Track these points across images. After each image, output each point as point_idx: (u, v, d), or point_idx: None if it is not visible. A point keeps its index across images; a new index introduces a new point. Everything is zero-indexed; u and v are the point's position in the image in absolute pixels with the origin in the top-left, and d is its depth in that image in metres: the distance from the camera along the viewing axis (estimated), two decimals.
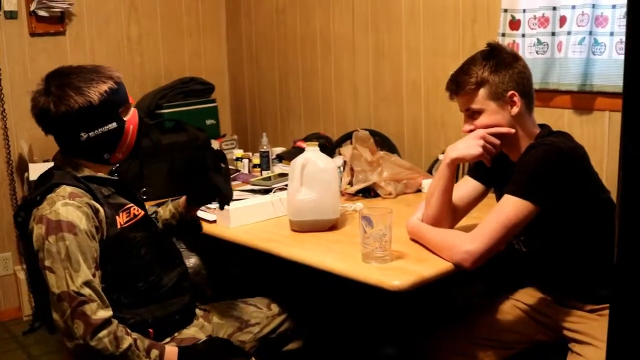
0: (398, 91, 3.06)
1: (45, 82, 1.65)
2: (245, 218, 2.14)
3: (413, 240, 1.88)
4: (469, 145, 1.75)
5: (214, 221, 2.15)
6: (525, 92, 1.75)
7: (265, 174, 2.80)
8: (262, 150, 2.89)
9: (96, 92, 1.63)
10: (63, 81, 1.63)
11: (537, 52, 2.43)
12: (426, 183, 2.47)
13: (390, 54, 3.07)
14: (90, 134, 1.65)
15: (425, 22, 2.89)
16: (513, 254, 1.85)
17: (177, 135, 2.81)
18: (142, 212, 1.75)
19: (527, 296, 1.90)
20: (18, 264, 3.42)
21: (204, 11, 3.93)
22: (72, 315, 1.49)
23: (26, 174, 3.16)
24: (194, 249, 2.28)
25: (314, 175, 2.01)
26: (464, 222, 1.91)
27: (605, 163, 2.29)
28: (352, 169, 2.48)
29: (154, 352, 1.58)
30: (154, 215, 1.97)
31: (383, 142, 3.03)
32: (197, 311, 1.88)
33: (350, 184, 2.47)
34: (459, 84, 1.76)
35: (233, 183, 2.24)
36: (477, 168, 1.91)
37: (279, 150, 3.15)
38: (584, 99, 2.35)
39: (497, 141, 1.75)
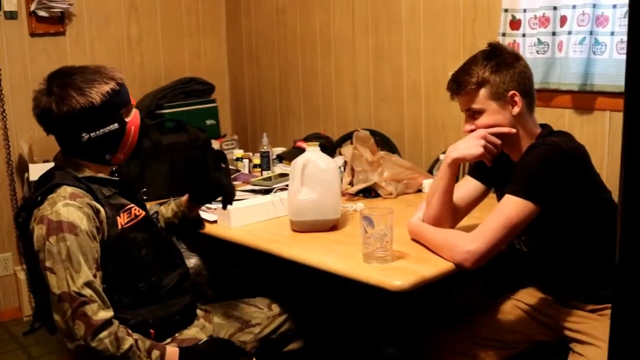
0: (398, 91, 3.06)
1: (48, 82, 1.65)
2: (246, 218, 2.14)
3: (414, 240, 1.88)
4: (470, 145, 1.75)
5: (215, 221, 2.15)
6: (526, 92, 1.75)
7: (265, 174, 2.80)
8: (262, 150, 2.89)
9: (98, 92, 1.63)
10: (65, 81, 1.63)
11: (537, 51, 2.42)
12: (427, 183, 2.47)
13: (391, 54, 3.07)
14: (91, 134, 1.65)
15: (426, 21, 2.89)
16: (514, 254, 1.85)
17: (178, 135, 2.81)
18: (143, 213, 1.75)
19: (528, 296, 1.89)
20: (18, 264, 3.42)
21: (204, 11, 3.93)
22: (73, 316, 1.49)
23: (26, 175, 3.16)
24: (194, 249, 2.28)
25: (315, 176, 2.01)
26: (464, 222, 1.91)
27: (606, 163, 2.29)
28: (352, 169, 2.48)
29: (155, 353, 1.58)
30: (155, 216, 1.97)
31: (383, 142, 3.03)
32: (198, 312, 1.88)
33: (351, 184, 2.47)
34: (460, 84, 1.75)
35: (233, 183, 2.24)
36: (477, 168, 1.91)
37: (279, 150, 3.15)
38: (584, 99, 2.35)
39: (498, 141, 1.75)
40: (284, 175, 2.61)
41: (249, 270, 2.47)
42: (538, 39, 2.42)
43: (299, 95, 3.62)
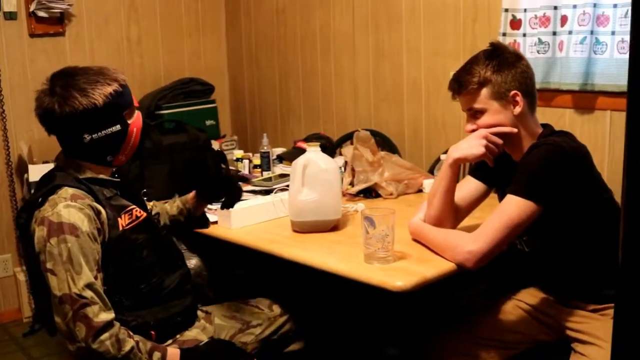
0: (399, 91, 3.06)
1: (50, 83, 1.65)
2: (247, 219, 2.13)
3: (415, 240, 1.88)
4: (472, 145, 1.74)
5: (216, 222, 2.15)
6: (527, 91, 1.75)
7: (265, 174, 2.80)
8: (262, 150, 2.88)
9: (101, 94, 1.62)
10: (68, 82, 1.62)
11: (538, 51, 2.42)
12: (427, 183, 2.47)
13: (391, 54, 3.07)
14: (93, 135, 1.65)
15: (426, 21, 2.89)
16: (515, 254, 1.85)
17: (178, 136, 2.81)
18: (144, 214, 1.74)
19: (530, 296, 1.89)
20: (18, 265, 3.41)
21: (204, 11, 3.93)
22: (74, 318, 1.49)
23: (26, 175, 3.15)
24: (195, 250, 2.28)
25: (316, 176, 2.00)
26: (466, 222, 1.91)
27: (607, 162, 2.29)
28: (353, 170, 2.48)
29: (156, 355, 1.58)
30: (156, 216, 1.96)
31: (384, 142, 3.02)
32: (199, 313, 1.88)
33: (352, 184, 2.47)
34: (462, 84, 1.75)
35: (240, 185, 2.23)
36: (478, 168, 1.91)
37: (279, 150, 3.15)
38: (585, 99, 2.35)
39: (499, 141, 1.74)
40: (284, 176, 2.60)
41: (250, 271, 2.46)
42: (539, 38, 2.42)
43: (299, 95, 3.62)
